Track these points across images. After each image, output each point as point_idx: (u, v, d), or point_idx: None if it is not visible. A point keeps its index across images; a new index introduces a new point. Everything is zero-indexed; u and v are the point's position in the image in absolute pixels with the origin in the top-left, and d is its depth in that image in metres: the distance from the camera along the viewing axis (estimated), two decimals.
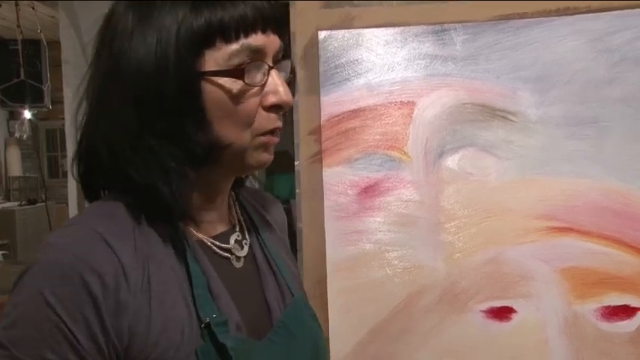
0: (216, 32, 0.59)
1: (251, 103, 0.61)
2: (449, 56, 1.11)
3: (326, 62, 1.13)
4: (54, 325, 0.55)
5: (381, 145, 1.12)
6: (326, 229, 1.12)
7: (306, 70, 1.14)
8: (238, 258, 0.70)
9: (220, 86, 0.60)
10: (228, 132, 0.62)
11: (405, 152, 1.12)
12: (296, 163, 1.15)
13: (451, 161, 1.10)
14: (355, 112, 1.13)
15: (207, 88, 0.60)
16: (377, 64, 1.13)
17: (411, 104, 1.12)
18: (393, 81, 1.12)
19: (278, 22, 0.64)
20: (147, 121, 0.60)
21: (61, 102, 2.65)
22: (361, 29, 1.13)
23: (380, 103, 1.12)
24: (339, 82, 1.13)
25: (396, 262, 1.11)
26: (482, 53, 1.10)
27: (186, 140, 0.60)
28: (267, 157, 0.66)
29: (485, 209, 1.09)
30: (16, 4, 2.93)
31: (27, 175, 6.82)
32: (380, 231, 1.12)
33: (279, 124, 0.64)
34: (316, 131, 1.14)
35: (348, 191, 1.12)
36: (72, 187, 2.66)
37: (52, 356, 0.55)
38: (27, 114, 4.40)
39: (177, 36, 0.58)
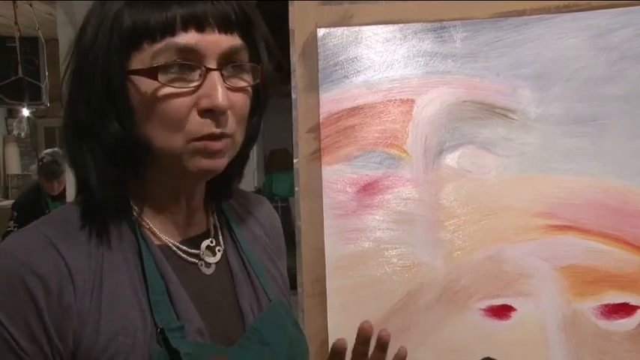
0: (142, 33, 0.57)
1: (180, 104, 0.58)
2: (448, 54, 1.10)
3: (325, 60, 1.13)
4: None
5: (380, 143, 1.12)
6: (325, 227, 1.12)
7: (304, 68, 1.14)
8: (208, 264, 0.68)
9: (142, 85, 0.58)
10: (155, 134, 0.59)
11: (404, 150, 1.11)
12: (295, 160, 1.14)
13: (450, 159, 1.10)
14: (354, 110, 1.12)
15: (131, 87, 0.59)
16: (376, 61, 1.12)
17: (411, 102, 1.11)
18: (392, 78, 1.12)
19: (227, 21, 0.59)
20: (79, 112, 0.60)
21: (59, 100, 2.64)
22: (360, 26, 1.13)
23: (379, 101, 1.12)
24: (338, 79, 1.13)
25: (395, 260, 1.11)
26: (481, 51, 1.09)
27: (104, 134, 0.59)
28: (207, 163, 0.60)
29: (485, 207, 1.09)
30: (14, 1, 2.92)
31: (25, 173, 6.81)
32: (379, 229, 1.11)
33: (216, 130, 0.59)
34: (315, 129, 1.13)
35: (347, 189, 1.12)
36: (70, 184, 2.65)
37: None
38: (25, 112, 4.40)
39: (110, 33, 0.58)
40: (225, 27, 0.59)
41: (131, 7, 0.57)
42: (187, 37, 0.57)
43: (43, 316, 0.56)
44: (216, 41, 0.59)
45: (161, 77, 0.57)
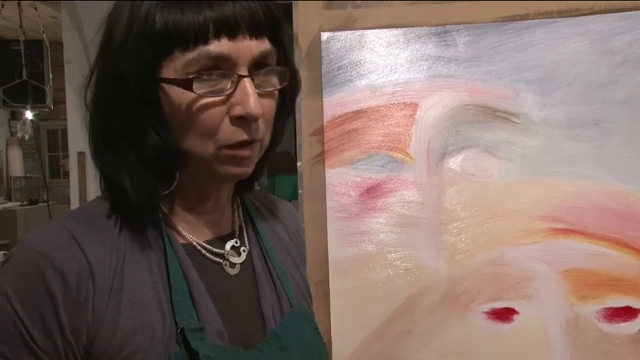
0: (173, 41, 0.57)
1: (213, 113, 0.58)
2: (451, 57, 1.11)
3: (329, 63, 1.14)
4: (9, 319, 0.56)
5: (384, 146, 1.12)
6: (328, 230, 1.12)
7: (308, 72, 1.14)
8: (233, 264, 0.67)
9: (175, 95, 0.58)
10: (188, 141, 0.59)
11: (407, 153, 1.12)
12: (298, 164, 1.15)
13: (453, 162, 1.10)
14: (358, 114, 1.13)
15: (164, 95, 0.58)
16: (379, 65, 1.13)
17: (414, 105, 1.12)
18: (395, 82, 1.12)
19: (258, 25, 0.59)
20: (110, 118, 0.60)
21: (63, 102, 2.66)
22: (364, 30, 1.14)
23: (382, 105, 1.12)
24: (342, 83, 1.13)
25: (398, 262, 1.11)
26: (484, 55, 1.10)
27: (140, 143, 0.59)
28: (237, 170, 0.61)
29: (488, 210, 1.09)
30: (19, 5, 2.94)
31: (28, 175, 6.83)
32: (382, 232, 1.12)
33: (246, 137, 0.59)
34: (319, 132, 1.14)
35: (351, 192, 1.13)
36: (73, 187, 2.66)
37: (3, 348, 0.56)
38: (29, 114, 4.41)
39: (142, 40, 0.57)
40: (256, 31, 0.59)
41: (162, 12, 0.57)
42: (220, 46, 0.57)
43: (59, 311, 0.56)
44: (247, 47, 0.58)
45: (196, 87, 0.57)
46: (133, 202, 0.60)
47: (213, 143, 0.59)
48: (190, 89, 0.57)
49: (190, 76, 0.57)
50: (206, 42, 0.57)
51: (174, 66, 0.57)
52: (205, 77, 0.57)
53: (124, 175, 0.60)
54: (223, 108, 0.58)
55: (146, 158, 0.59)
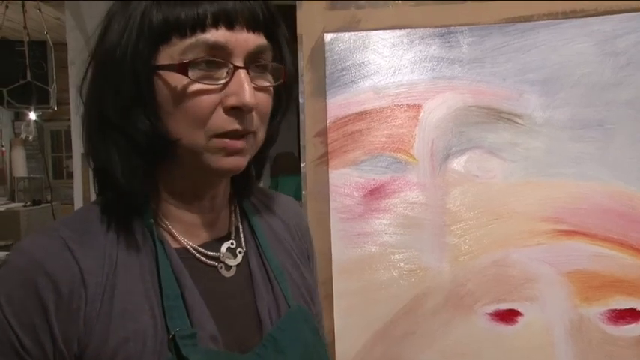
0: (172, 28, 0.57)
1: (206, 101, 0.58)
2: (455, 59, 1.11)
3: (332, 64, 1.14)
4: (0, 326, 0.56)
5: (387, 148, 1.12)
6: (332, 231, 1.12)
7: (312, 73, 1.14)
8: (228, 267, 0.67)
9: (170, 80, 0.58)
10: (178, 128, 0.59)
11: (411, 154, 1.12)
12: (302, 165, 1.15)
13: (457, 164, 1.10)
14: (361, 115, 1.13)
15: (159, 81, 0.59)
16: (383, 66, 1.13)
17: (418, 107, 1.12)
18: (399, 83, 1.12)
19: (255, 20, 0.59)
20: (104, 108, 0.60)
21: (67, 103, 2.66)
22: (368, 31, 1.14)
23: (386, 106, 1.12)
24: (346, 84, 1.14)
25: (402, 264, 1.11)
26: (488, 56, 1.10)
27: (132, 130, 0.59)
28: (228, 162, 0.61)
29: (491, 212, 1.09)
30: (23, 6, 2.95)
31: (32, 176, 6.85)
32: (386, 233, 1.12)
33: (238, 127, 0.59)
34: (322, 133, 1.14)
35: (354, 193, 1.13)
36: (77, 187, 2.67)
37: None
38: (32, 115, 4.42)
39: (139, 28, 0.58)
40: (253, 26, 0.59)
41: (160, 5, 0.58)
42: (217, 35, 0.58)
43: (51, 319, 0.56)
44: (244, 39, 0.59)
45: (191, 73, 0.57)
46: (125, 188, 0.60)
47: (204, 133, 0.59)
48: (185, 74, 0.57)
49: (185, 61, 0.57)
50: (204, 30, 0.57)
51: (171, 53, 0.58)
52: (201, 66, 0.58)
53: (115, 163, 0.60)
54: (217, 97, 0.59)
55: (137, 145, 0.60)
